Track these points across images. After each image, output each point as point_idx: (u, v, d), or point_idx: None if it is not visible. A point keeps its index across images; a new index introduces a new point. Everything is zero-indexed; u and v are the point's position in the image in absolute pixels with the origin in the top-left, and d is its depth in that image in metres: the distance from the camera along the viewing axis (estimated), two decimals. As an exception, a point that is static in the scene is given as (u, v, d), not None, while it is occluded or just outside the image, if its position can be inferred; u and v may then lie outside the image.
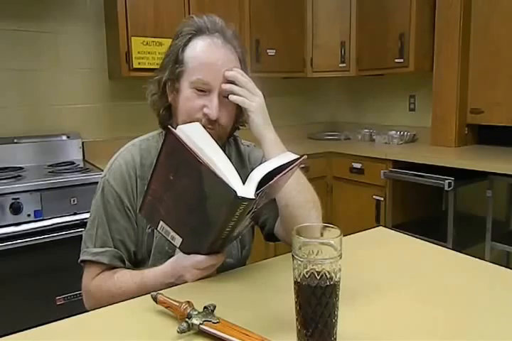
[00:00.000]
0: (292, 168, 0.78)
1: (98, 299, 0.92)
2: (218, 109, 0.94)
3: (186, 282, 0.86)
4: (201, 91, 0.94)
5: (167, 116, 1.02)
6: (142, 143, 1.03)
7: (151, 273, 0.90)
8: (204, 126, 0.87)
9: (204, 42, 0.95)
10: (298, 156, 0.82)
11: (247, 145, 1.14)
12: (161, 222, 0.86)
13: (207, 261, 0.84)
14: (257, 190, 0.74)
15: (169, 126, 0.79)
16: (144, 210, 0.90)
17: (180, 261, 0.87)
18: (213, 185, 0.75)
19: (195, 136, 0.79)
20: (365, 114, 3.44)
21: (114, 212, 0.97)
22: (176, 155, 0.78)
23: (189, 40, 0.96)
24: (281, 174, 0.76)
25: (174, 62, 0.96)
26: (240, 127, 1.08)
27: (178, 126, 0.81)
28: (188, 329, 0.65)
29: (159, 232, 0.88)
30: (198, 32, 0.96)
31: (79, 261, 0.99)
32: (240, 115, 1.03)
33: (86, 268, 0.98)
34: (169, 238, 0.87)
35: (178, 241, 0.86)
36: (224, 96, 0.95)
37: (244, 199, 0.72)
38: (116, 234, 0.97)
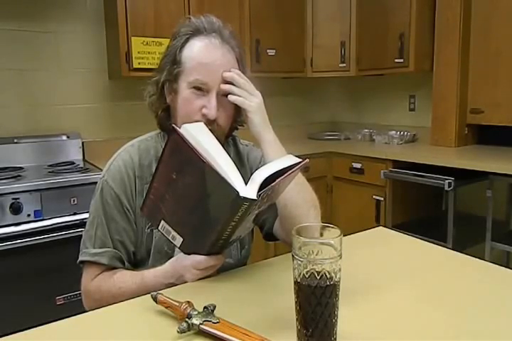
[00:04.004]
0: (294, 171, 0.79)
1: (98, 300, 0.92)
2: (217, 109, 0.94)
3: (186, 282, 0.86)
4: (199, 90, 0.94)
5: (165, 117, 1.02)
6: (141, 144, 1.03)
7: (151, 274, 0.90)
8: None
9: (201, 42, 0.95)
10: (300, 160, 0.82)
11: (246, 145, 1.14)
12: (162, 221, 0.86)
13: (207, 262, 0.84)
14: (259, 191, 0.74)
15: (173, 125, 0.80)
16: (145, 209, 0.90)
17: (181, 261, 0.87)
18: (216, 184, 0.75)
19: (199, 136, 0.79)
20: (365, 114, 3.44)
21: (113, 212, 0.97)
22: (180, 154, 0.79)
23: (186, 41, 0.96)
24: (283, 176, 0.76)
25: (172, 62, 0.96)
26: (239, 127, 1.08)
27: (183, 125, 0.81)
28: (188, 329, 0.65)
29: (160, 231, 0.88)
30: (196, 32, 0.96)
31: (78, 261, 0.98)
32: (238, 115, 1.03)
33: (85, 269, 0.98)
34: (170, 238, 0.87)
35: (178, 241, 0.86)
36: (222, 95, 0.95)
37: (246, 199, 0.72)
38: (115, 235, 0.97)
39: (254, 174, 0.77)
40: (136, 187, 0.98)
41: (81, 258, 0.98)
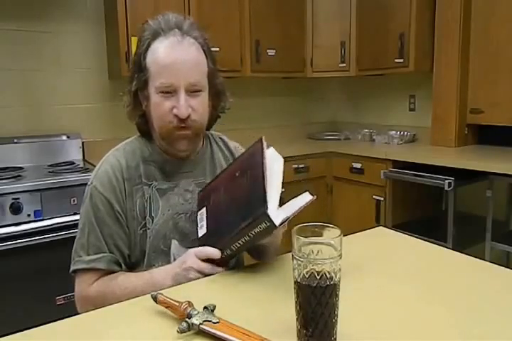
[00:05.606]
0: (305, 205, 0.84)
1: (100, 304, 0.88)
2: (187, 107, 0.94)
3: (189, 280, 0.86)
4: (167, 93, 0.94)
5: (143, 122, 1.04)
6: (126, 147, 1.05)
7: (159, 270, 0.92)
8: (177, 127, 0.94)
9: (161, 44, 0.95)
10: (312, 197, 0.85)
11: (236, 146, 1.17)
12: (204, 209, 0.96)
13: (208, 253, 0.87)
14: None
15: (263, 137, 0.90)
16: (202, 192, 1.01)
17: (187, 253, 0.90)
18: (256, 195, 0.82)
19: (273, 158, 0.90)
20: (365, 114, 3.44)
21: (105, 217, 0.97)
22: (252, 159, 0.90)
23: (148, 46, 0.96)
24: (295, 211, 0.82)
25: (139, 70, 0.97)
26: (220, 114, 1.10)
27: (270, 147, 0.92)
28: (188, 329, 0.66)
29: (197, 216, 0.97)
30: (155, 35, 0.96)
31: (71, 271, 0.98)
32: (218, 103, 1.05)
33: (79, 277, 0.98)
34: (199, 226, 0.94)
35: (202, 232, 0.94)
36: (191, 91, 0.95)
37: (269, 218, 0.77)
38: (109, 239, 0.97)
39: (287, 205, 0.83)
40: (125, 189, 0.98)
41: (74, 267, 0.97)
